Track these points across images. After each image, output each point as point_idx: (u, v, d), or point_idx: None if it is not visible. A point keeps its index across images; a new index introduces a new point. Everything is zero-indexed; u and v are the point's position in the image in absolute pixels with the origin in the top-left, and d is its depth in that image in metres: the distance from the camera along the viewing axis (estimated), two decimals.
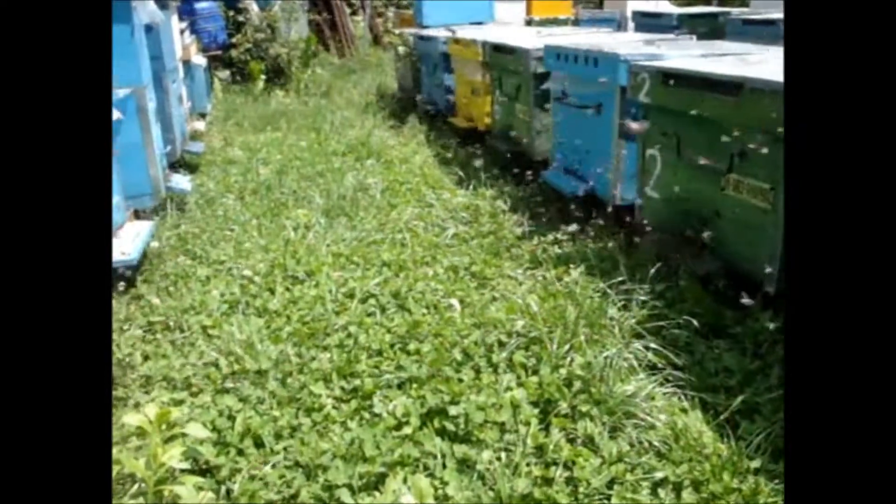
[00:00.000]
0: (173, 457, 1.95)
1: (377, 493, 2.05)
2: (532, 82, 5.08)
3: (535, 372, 2.65)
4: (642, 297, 2.98)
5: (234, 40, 11.57)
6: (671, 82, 3.31)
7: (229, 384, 2.70)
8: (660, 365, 2.62)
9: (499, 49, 5.64)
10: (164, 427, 2.07)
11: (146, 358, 2.97)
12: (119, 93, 4.24)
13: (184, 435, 2.15)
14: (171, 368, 2.84)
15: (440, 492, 2.09)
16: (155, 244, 4.04)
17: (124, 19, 4.51)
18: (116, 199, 4.04)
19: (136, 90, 4.58)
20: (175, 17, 6.56)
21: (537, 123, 5.18)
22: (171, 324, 3.26)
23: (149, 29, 5.07)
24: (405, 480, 2.11)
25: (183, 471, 2.11)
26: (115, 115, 4.08)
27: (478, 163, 5.62)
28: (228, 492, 2.09)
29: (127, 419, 2.05)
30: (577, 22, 9.72)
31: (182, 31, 7.14)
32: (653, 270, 3.14)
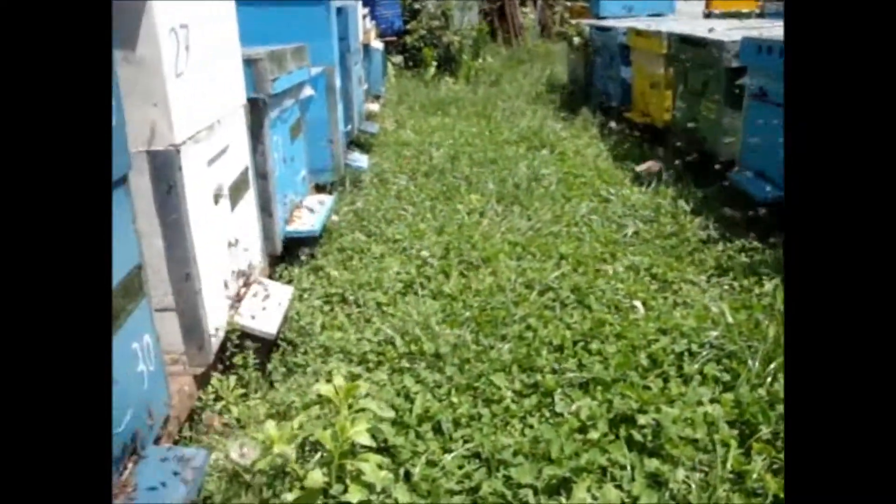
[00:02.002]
0: (360, 432, 1.91)
1: (562, 499, 1.92)
2: (724, 77, 4.74)
3: (731, 388, 2.42)
4: None
5: (409, 27, 11.79)
6: None
7: (405, 364, 2.66)
8: None
9: (687, 41, 5.31)
10: (350, 401, 2.05)
11: (323, 328, 3.00)
12: (312, 70, 4.34)
13: (366, 410, 2.12)
14: (348, 342, 2.85)
15: None
16: (335, 218, 4.12)
17: (322, 1, 4.64)
18: (303, 172, 4.15)
19: (326, 69, 4.70)
20: (359, 2, 6.71)
21: (726, 121, 4.83)
22: (348, 297, 3.29)
23: (339, 11, 5.19)
24: (589, 489, 1.97)
25: (364, 447, 2.08)
26: (308, 91, 4.19)
27: (657, 160, 5.35)
28: (408, 475, 2.04)
29: (319, 387, 2.05)
30: (761, 15, 9.10)
31: (364, 17, 7.31)
32: None
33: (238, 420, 2.36)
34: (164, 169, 2.15)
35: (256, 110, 3.16)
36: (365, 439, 1.92)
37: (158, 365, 2.05)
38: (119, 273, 1.81)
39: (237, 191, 2.85)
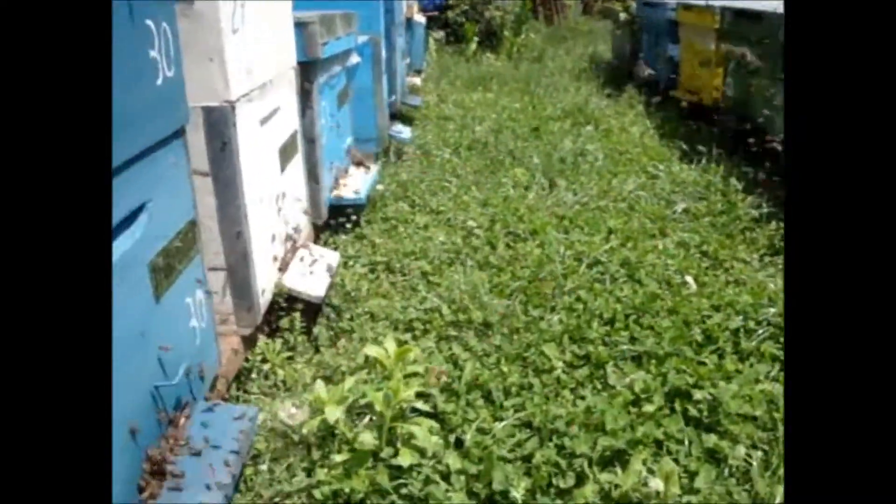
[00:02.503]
0: (412, 396, 1.88)
1: (618, 471, 1.87)
2: (782, 52, 4.58)
3: None
4: None
5: (451, 2, 11.67)
6: None
7: (452, 332, 2.63)
8: None
9: (742, 15, 5.14)
10: (401, 364, 2.01)
11: (369, 295, 2.97)
12: (359, 38, 4.29)
13: (417, 375, 2.09)
14: (394, 309, 2.82)
15: (685, 481, 1.88)
16: (380, 187, 4.09)
17: None
18: (348, 140, 4.12)
19: (372, 38, 4.64)
20: None
21: (781, 99, 4.68)
22: (393, 266, 3.25)
23: None
24: (644, 462, 1.91)
25: (415, 411, 2.05)
26: (354, 59, 4.14)
27: (705, 138, 5.22)
28: (459, 441, 2.01)
29: (368, 350, 2.02)
30: None
31: None
32: None
33: (284, 383, 2.34)
34: (219, 125, 2.12)
35: (306, 74, 3.12)
36: (418, 402, 1.89)
37: (210, 322, 2.04)
38: (174, 227, 1.79)
39: (286, 154, 2.82)
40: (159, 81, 1.66)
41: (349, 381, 2.04)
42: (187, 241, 1.87)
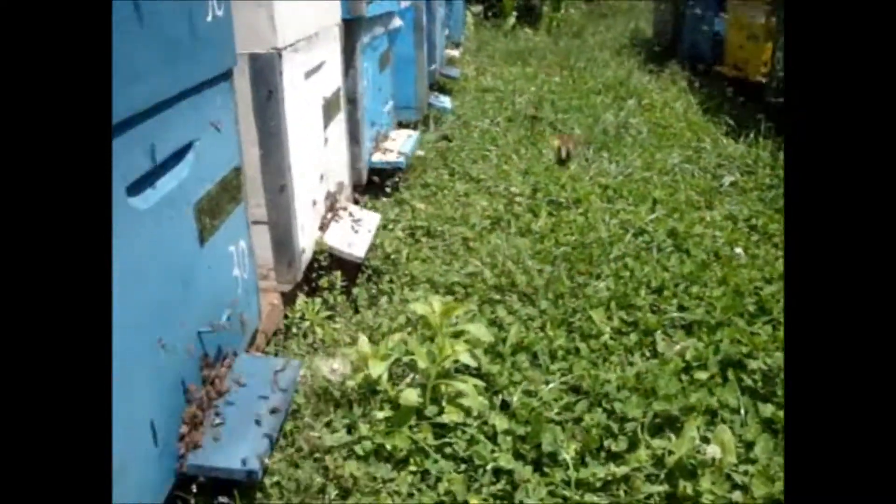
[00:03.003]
0: (462, 352, 1.82)
1: (672, 436, 1.80)
2: None
3: None
4: None
5: None
6: None
7: (495, 296, 2.56)
8: None
9: None
10: (446, 323, 1.95)
11: (409, 258, 2.92)
12: (402, 3, 4.21)
13: (463, 333, 2.03)
14: (435, 272, 2.77)
15: (741, 451, 1.80)
16: (420, 152, 4.02)
17: None
18: (389, 104, 4.06)
19: (415, 4, 4.56)
20: None
21: None
22: (433, 231, 3.19)
23: None
24: (698, 429, 1.84)
25: (460, 370, 1.99)
26: (397, 22, 4.07)
27: (752, 113, 5.06)
28: (505, 404, 1.95)
29: (414, 306, 1.96)
30: None
31: None
32: None
33: (323, 342, 2.30)
34: (265, 73, 2.07)
35: (350, 31, 3.05)
36: (467, 358, 1.83)
37: (252, 274, 2.00)
38: (220, 171, 1.74)
39: (329, 111, 2.76)
40: (209, 18, 1.61)
41: (393, 338, 1.99)
42: (232, 187, 1.82)
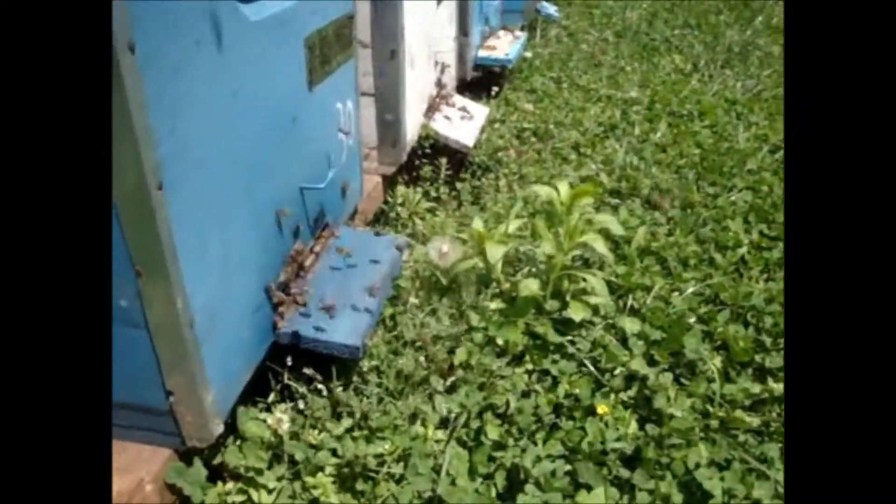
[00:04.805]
0: (595, 238, 1.58)
1: None
2: None
3: None
4: None
5: None
6: None
7: (614, 200, 2.30)
8: None
9: None
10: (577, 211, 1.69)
11: (517, 157, 2.67)
12: None
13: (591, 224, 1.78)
14: (546, 172, 2.52)
15: None
16: (528, 54, 3.72)
17: None
18: (497, 2, 3.75)
19: None
20: None
21: None
22: (541, 133, 2.93)
23: None
24: None
25: (586, 262, 1.76)
26: None
27: None
28: (633, 308, 1.70)
29: (538, 189, 1.72)
30: None
31: None
32: None
33: (424, 234, 2.09)
34: None
35: None
36: (601, 247, 1.58)
37: (357, 143, 1.79)
38: (333, 12, 1.52)
39: None
40: None
41: (514, 222, 1.77)
42: (343, 36, 1.60)
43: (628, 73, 3.80)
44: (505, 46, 3.39)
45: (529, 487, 1.20)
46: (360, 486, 1.24)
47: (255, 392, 1.34)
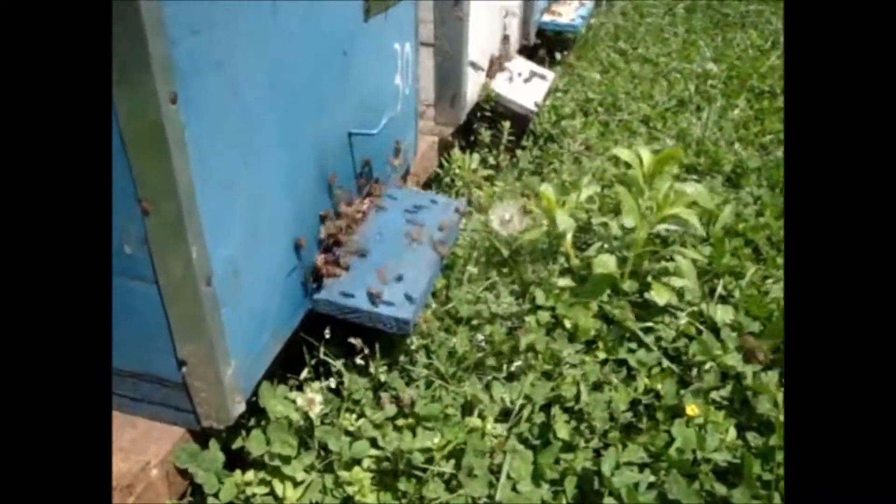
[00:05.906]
0: (681, 212, 1.36)
1: None
2: None
3: None
4: None
5: None
6: None
7: (691, 177, 2.07)
8: None
9: None
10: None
11: (583, 127, 2.45)
12: None
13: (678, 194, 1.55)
14: (613, 143, 2.30)
15: None
16: (593, 20, 3.48)
17: None
18: None
19: None
20: None
21: None
22: (607, 104, 2.69)
23: None
24: None
25: (664, 241, 1.54)
26: None
27: None
28: (721, 295, 1.48)
29: (618, 152, 1.50)
30: None
31: None
32: None
33: (480, 204, 1.89)
34: None
35: None
36: (692, 217, 1.36)
37: (413, 92, 1.59)
38: None
39: None
40: None
41: (586, 190, 1.55)
42: None
43: (700, 48, 3.53)
44: (571, 12, 3.16)
45: (609, 501, 0.99)
46: (402, 485, 1.05)
47: (286, 368, 1.16)
